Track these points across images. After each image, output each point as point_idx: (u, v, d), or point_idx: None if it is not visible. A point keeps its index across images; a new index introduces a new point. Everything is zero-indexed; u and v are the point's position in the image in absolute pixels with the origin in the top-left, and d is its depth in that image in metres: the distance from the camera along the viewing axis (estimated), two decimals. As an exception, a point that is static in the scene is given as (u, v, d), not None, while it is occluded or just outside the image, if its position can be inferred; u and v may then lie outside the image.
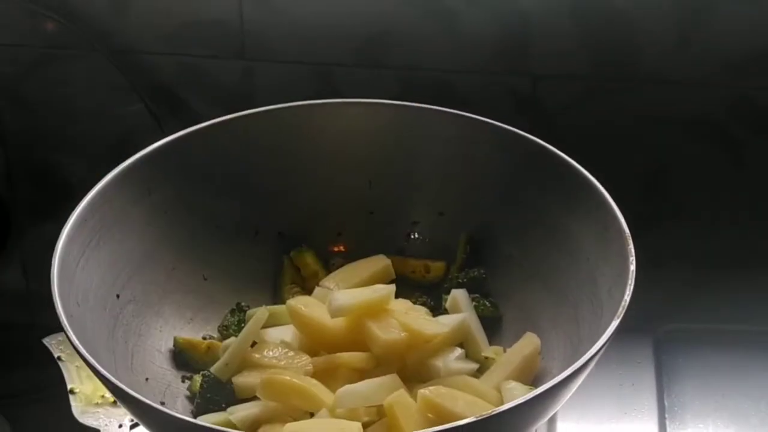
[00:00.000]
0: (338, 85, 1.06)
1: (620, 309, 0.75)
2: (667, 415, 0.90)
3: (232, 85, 1.06)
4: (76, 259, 0.82)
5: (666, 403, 0.91)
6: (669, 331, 0.97)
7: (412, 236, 0.94)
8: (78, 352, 0.75)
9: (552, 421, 0.88)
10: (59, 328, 0.98)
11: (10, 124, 1.11)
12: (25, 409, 1.07)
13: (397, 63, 1.05)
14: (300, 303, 0.85)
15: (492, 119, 0.91)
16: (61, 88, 1.08)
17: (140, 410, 0.74)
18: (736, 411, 0.91)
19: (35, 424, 1.04)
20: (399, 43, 1.04)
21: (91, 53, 1.05)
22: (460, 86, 1.05)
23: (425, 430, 0.70)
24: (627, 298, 0.76)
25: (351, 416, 0.78)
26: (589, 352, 0.73)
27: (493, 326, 0.88)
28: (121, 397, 0.74)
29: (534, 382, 0.83)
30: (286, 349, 0.84)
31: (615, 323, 0.74)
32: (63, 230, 0.82)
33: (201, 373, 0.85)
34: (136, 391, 0.73)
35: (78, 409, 0.89)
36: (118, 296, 0.85)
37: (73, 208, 0.84)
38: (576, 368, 0.72)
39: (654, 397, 0.91)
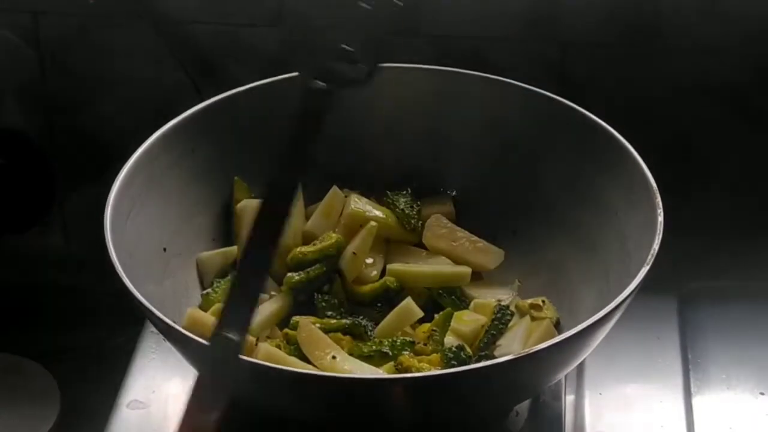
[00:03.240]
0: (372, 52, 1.08)
1: (649, 257, 0.79)
2: (690, 367, 0.93)
3: (269, 53, 1.09)
4: (126, 212, 0.86)
5: (690, 356, 0.94)
6: (692, 289, 1.00)
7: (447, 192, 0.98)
8: (133, 297, 0.78)
9: (580, 372, 0.91)
10: (100, 291, 1.02)
11: (55, 91, 1.14)
12: (70, 366, 1.10)
13: (429, 30, 1.07)
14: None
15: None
16: (104, 56, 1.11)
17: (192, 350, 0.77)
18: (757, 362, 0.94)
19: (80, 381, 1.08)
20: (431, 11, 1.07)
21: (134, 21, 1.08)
22: (491, 54, 1.07)
23: (447, 370, 0.74)
24: (656, 246, 0.79)
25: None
26: (619, 297, 0.76)
27: (528, 278, 0.92)
28: (175, 338, 0.78)
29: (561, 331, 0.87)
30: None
31: (644, 269, 0.78)
32: (113, 185, 0.86)
33: None
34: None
35: None
36: (165, 249, 0.89)
37: (114, 174, 0.87)
38: (607, 312, 0.75)
39: (678, 350, 0.94)
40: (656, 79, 1.07)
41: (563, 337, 0.74)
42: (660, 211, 0.82)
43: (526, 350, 0.74)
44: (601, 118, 0.91)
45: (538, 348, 0.74)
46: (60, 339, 1.14)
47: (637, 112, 1.07)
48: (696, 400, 0.91)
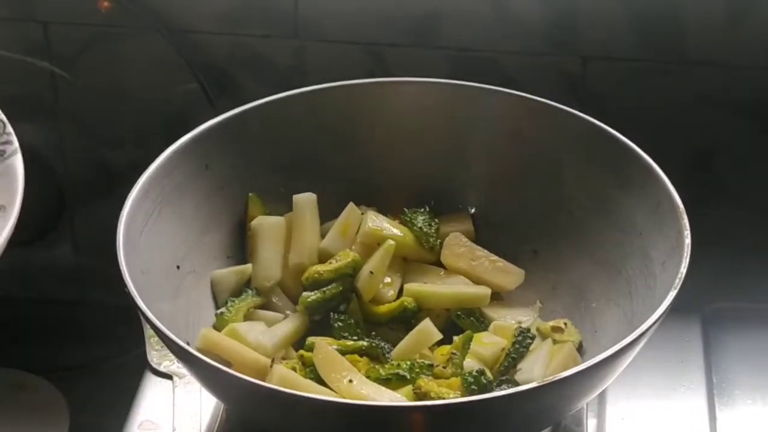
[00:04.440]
0: (389, 65, 1.07)
1: (677, 281, 0.77)
2: (715, 391, 0.91)
3: (284, 65, 1.08)
4: (139, 229, 0.84)
5: (714, 379, 0.92)
6: (716, 310, 0.98)
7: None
8: (145, 316, 0.77)
9: (602, 397, 0.89)
10: (110, 305, 1.01)
11: (66, 103, 1.12)
12: (78, 382, 1.09)
13: (448, 44, 1.06)
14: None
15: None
16: (117, 67, 1.10)
17: (205, 372, 0.76)
18: (784, 387, 0.92)
19: (90, 398, 1.06)
20: (449, 23, 1.05)
21: (147, 32, 1.07)
22: (510, 67, 1.06)
23: (468, 398, 0.73)
24: (683, 270, 0.77)
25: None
26: (647, 322, 0.74)
27: (549, 298, 0.90)
28: (188, 360, 0.76)
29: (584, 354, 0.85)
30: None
31: (672, 294, 0.76)
32: (127, 200, 0.84)
33: None
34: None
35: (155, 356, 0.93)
36: (178, 267, 0.87)
37: (125, 187, 0.85)
38: (634, 337, 0.73)
39: (702, 374, 0.92)
40: (678, 93, 1.06)
41: (589, 364, 0.72)
42: (687, 233, 0.80)
43: (550, 378, 0.71)
44: (621, 134, 0.90)
45: (563, 375, 0.71)
46: (69, 354, 1.12)
47: (658, 127, 1.05)
48: (721, 425, 0.89)
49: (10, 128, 0.88)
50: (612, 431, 0.87)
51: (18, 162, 0.85)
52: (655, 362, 0.92)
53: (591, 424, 0.87)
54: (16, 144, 0.87)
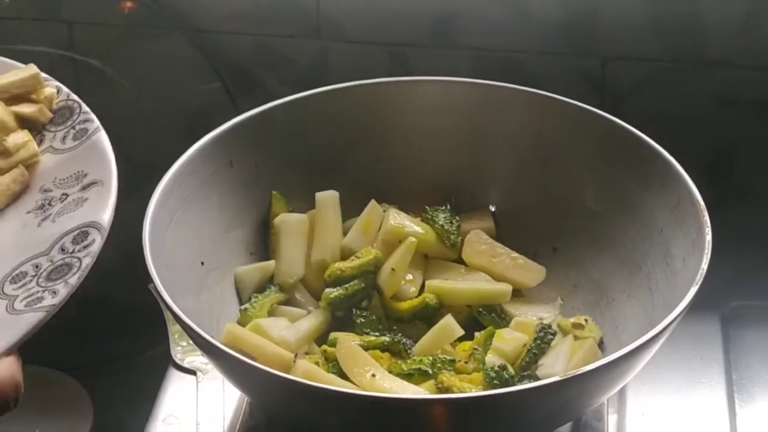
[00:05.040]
0: (411, 65, 1.07)
1: (698, 277, 0.77)
2: (735, 388, 0.91)
3: (306, 65, 1.09)
4: (165, 225, 0.85)
5: (734, 376, 0.92)
6: (736, 308, 0.98)
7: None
8: (171, 311, 0.77)
9: (622, 393, 0.90)
10: (132, 302, 1.02)
11: (90, 102, 1.13)
12: (102, 378, 1.09)
13: (468, 44, 1.06)
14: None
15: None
16: (140, 66, 1.11)
17: (231, 365, 0.76)
18: (804, 384, 0.92)
19: (114, 394, 1.07)
20: (470, 23, 1.06)
21: (170, 32, 1.08)
22: (530, 67, 1.06)
23: (491, 391, 0.73)
24: (704, 266, 0.78)
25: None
26: (669, 317, 0.74)
27: (570, 295, 0.91)
28: (214, 354, 0.77)
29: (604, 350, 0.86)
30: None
31: (693, 290, 0.76)
32: (153, 196, 0.85)
33: None
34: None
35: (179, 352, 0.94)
36: (202, 263, 0.88)
37: (149, 186, 0.86)
38: (655, 333, 0.74)
39: (722, 370, 0.92)
40: (698, 94, 1.06)
41: (609, 360, 0.73)
42: (708, 230, 0.81)
43: (572, 372, 0.72)
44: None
45: (584, 370, 0.72)
46: (93, 351, 1.13)
47: (678, 127, 1.06)
48: (740, 421, 0.89)
49: (86, 107, 0.88)
50: (632, 427, 0.88)
51: (103, 138, 0.85)
52: (675, 359, 0.92)
53: (611, 419, 0.87)
54: (97, 122, 0.87)
